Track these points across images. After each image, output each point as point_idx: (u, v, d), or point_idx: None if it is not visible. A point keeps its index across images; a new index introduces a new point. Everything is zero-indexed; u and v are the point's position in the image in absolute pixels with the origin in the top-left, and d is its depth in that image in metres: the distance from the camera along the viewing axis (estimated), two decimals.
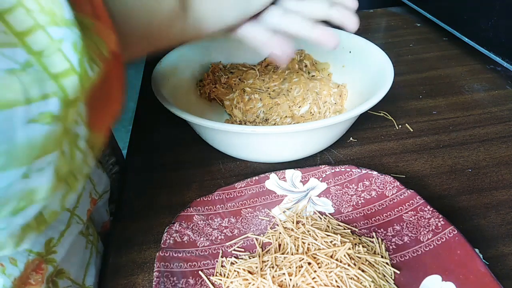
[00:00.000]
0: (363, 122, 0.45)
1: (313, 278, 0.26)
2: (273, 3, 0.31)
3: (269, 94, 0.47)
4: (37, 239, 0.24)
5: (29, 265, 0.23)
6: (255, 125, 0.44)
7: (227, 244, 0.32)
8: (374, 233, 0.31)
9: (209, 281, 0.29)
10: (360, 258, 0.28)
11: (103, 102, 0.19)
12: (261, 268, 0.28)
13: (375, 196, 0.33)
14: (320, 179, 0.35)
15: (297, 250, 0.29)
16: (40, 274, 0.24)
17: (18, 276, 0.22)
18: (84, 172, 0.19)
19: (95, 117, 0.18)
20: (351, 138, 0.43)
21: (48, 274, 0.25)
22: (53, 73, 0.15)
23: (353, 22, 0.29)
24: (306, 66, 0.49)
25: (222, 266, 0.30)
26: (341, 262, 0.28)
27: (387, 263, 0.29)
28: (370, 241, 0.31)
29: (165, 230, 0.30)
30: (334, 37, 0.30)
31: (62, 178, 0.16)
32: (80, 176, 0.18)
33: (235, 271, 0.29)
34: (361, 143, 0.43)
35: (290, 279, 0.27)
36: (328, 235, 0.30)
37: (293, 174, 0.35)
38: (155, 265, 0.28)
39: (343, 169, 0.34)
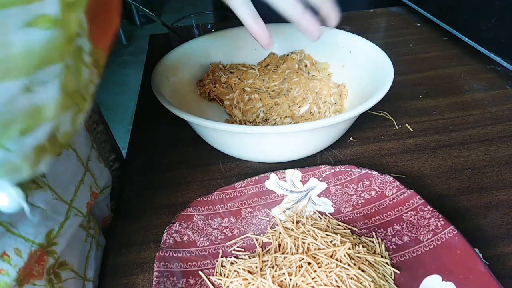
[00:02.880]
0: (363, 122, 0.45)
1: (313, 278, 0.26)
2: None
3: (269, 94, 0.47)
4: (38, 231, 0.24)
5: (32, 255, 0.23)
6: (255, 125, 0.44)
7: (227, 244, 0.32)
8: (374, 233, 0.31)
9: (209, 281, 0.29)
10: (360, 258, 0.28)
11: (102, 14, 0.18)
12: (261, 268, 0.28)
13: (375, 196, 0.33)
14: (320, 179, 0.35)
15: (297, 250, 0.29)
16: (42, 265, 0.24)
17: (22, 267, 0.23)
18: (91, 91, 0.18)
19: (96, 31, 0.17)
20: (351, 138, 0.43)
21: (49, 266, 0.25)
22: None
23: (334, 17, 0.31)
24: (306, 66, 0.49)
25: (222, 266, 0.30)
26: (341, 262, 0.28)
27: (387, 263, 0.29)
28: (370, 241, 0.31)
29: (165, 230, 0.30)
30: (319, 30, 0.30)
31: (69, 94, 0.16)
32: (87, 95, 0.18)
33: (235, 271, 0.29)
34: (361, 143, 0.43)
35: (290, 279, 0.27)
36: (328, 235, 0.30)
37: (293, 174, 0.35)
38: (155, 265, 0.28)
39: (343, 169, 0.34)
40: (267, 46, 0.33)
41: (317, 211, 0.34)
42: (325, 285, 0.26)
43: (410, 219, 0.31)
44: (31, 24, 0.13)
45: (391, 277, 0.28)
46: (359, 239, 0.31)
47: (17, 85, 0.13)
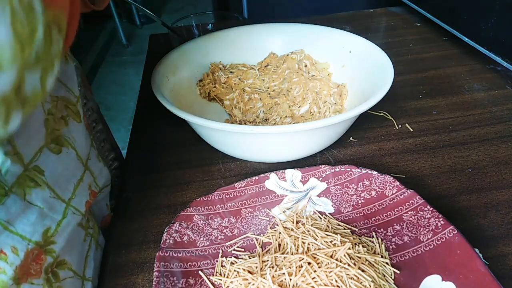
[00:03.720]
0: (363, 122, 0.45)
1: (313, 278, 0.26)
2: None
3: (269, 94, 0.47)
4: (35, 229, 0.24)
5: (29, 254, 0.23)
6: (255, 125, 0.44)
7: (227, 244, 0.32)
8: (374, 233, 0.31)
9: (209, 281, 0.29)
10: (360, 258, 0.28)
11: None
12: (261, 268, 0.28)
13: (375, 196, 0.33)
14: (320, 179, 0.35)
15: (297, 250, 0.29)
16: (39, 264, 0.24)
17: (19, 265, 0.23)
18: (56, 50, 0.18)
19: None
20: (351, 138, 0.43)
21: (47, 265, 0.25)
22: None
23: None
24: (306, 66, 0.49)
25: (222, 266, 0.30)
26: (341, 262, 0.28)
27: (387, 263, 0.29)
28: (370, 241, 0.31)
29: (165, 230, 0.30)
30: None
31: (21, 40, 0.15)
32: (51, 54, 0.17)
33: (235, 271, 0.29)
34: (361, 143, 0.43)
35: (290, 279, 0.27)
36: (328, 235, 0.30)
37: (293, 174, 0.35)
38: (155, 265, 0.28)
39: (343, 169, 0.34)
40: None
41: (317, 211, 0.34)
42: (325, 285, 0.26)
43: (410, 219, 0.31)
44: None
45: (391, 277, 0.28)
46: (359, 239, 0.31)
47: None
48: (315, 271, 0.27)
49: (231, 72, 0.49)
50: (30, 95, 0.17)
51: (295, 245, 0.30)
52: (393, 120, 0.46)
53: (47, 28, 0.17)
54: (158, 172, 0.41)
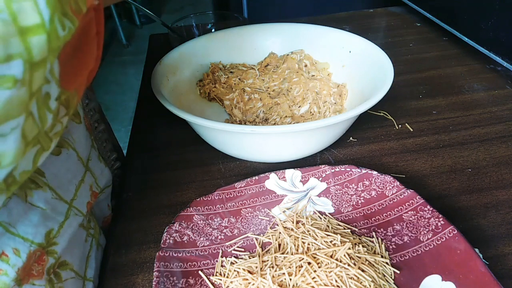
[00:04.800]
0: (363, 122, 0.45)
1: (313, 278, 0.26)
2: None
3: (269, 94, 0.47)
4: (37, 230, 0.24)
5: (31, 255, 0.23)
6: (255, 125, 0.44)
7: (227, 244, 0.32)
8: (374, 233, 0.31)
9: (209, 281, 0.29)
10: (360, 258, 0.28)
11: (78, 58, 0.18)
12: (261, 268, 0.28)
13: (375, 196, 0.33)
14: (320, 179, 0.35)
15: (297, 250, 0.29)
16: (41, 265, 0.24)
17: (21, 267, 0.23)
18: (57, 130, 0.18)
19: (69, 74, 0.17)
20: (351, 138, 0.43)
21: (49, 266, 0.25)
22: (22, 27, 0.13)
23: None
24: (306, 65, 0.49)
25: (222, 266, 0.30)
26: (341, 262, 0.28)
27: (387, 263, 0.29)
28: (370, 241, 0.31)
29: (165, 230, 0.30)
30: None
31: (31, 141, 0.16)
32: (53, 135, 0.18)
33: (235, 271, 0.29)
34: (361, 143, 0.43)
35: (290, 279, 0.27)
36: (328, 235, 0.30)
37: (293, 174, 0.35)
38: (155, 264, 0.28)
39: (343, 169, 0.34)
40: None
41: (317, 211, 0.34)
42: (325, 285, 0.26)
43: (410, 219, 0.31)
44: None
45: (391, 277, 0.28)
46: (359, 239, 0.31)
47: None
48: (315, 271, 0.27)
49: (231, 72, 0.49)
50: (18, 178, 0.17)
51: (295, 245, 0.30)
52: (393, 120, 0.46)
53: (55, 111, 0.17)
54: (158, 172, 0.41)
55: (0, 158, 0.14)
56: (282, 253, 0.29)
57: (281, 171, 0.35)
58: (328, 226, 0.32)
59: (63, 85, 0.17)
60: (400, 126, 0.45)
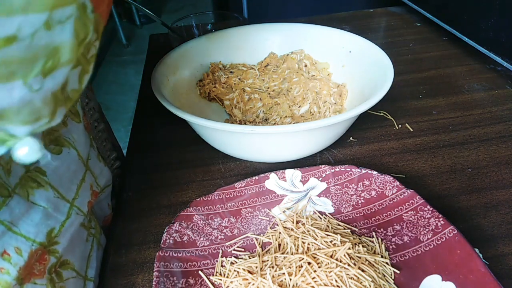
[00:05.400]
0: (363, 122, 0.45)
1: (313, 278, 0.26)
2: None
3: (269, 93, 0.47)
4: (39, 229, 0.24)
5: (33, 254, 0.23)
6: (255, 125, 0.44)
7: (227, 244, 0.32)
8: (374, 233, 0.31)
9: (209, 281, 0.29)
10: (360, 258, 0.28)
11: None
12: (261, 268, 0.28)
13: (375, 196, 0.33)
14: (320, 179, 0.35)
15: (297, 250, 0.29)
16: (43, 264, 0.24)
17: (23, 266, 0.23)
18: (92, 53, 0.19)
19: None
20: (351, 138, 0.43)
21: (50, 265, 0.25)
22: None
23: None
24: (306, 65, 0.49)
25: (222, 266, 0.30)
26: (341, 262, 0.28)
27: (387, 263, 0.29)
28: (370, 241, 0.31)
29: (165, 230, 0.30)
30: None
31: (80, 43, 0.17)
32: (90, 56, 0.19)
33: (235, 271, 0.29)
34: (361, 143, 0.43)
35: (290, 279, 0.27)
36: (328, 235, 0.30)
37: (293, 174, 0.35)
38: (155, 265, 0.28)
39: (343, 169, 0.34)
40: None
41: (317, 211, 0.34)
42: (325, 285, 0.26)
43: (410, 219, 0.31)
44: None
45: (391, 277, 0.28)
46: (359, 239, 0.31)
47: (39, 19, 0.14)
48: (315, 271, 0.27)
49: (231, 72, 0.49)
50: (70, 93, 0.18)
51: (295, 245, 0.30)
52: (393, 120, 0.46)
53: (93, 24, 0.18)
54: (158, 172, 0.41)
55: (59, 51, 0.15)
56: (282, 253, 0.29)
57: (281, 171, 0.35)
58: (328, 226, 0.32)
59: (92, 2, 0.17)
60: (400, 126, 0.45)
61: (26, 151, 0.17)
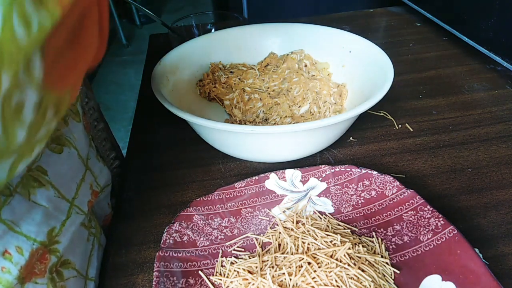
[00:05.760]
0: (363, 122, 0.45)
1: (313, 278, 0.26)
2: None
3: (269, 93, 0.47)
4: (40, 229, 0.24)
5: (34, 254, 0.23)
6: (255, 125, 0.44)
7: (227, 244, 0.32)
8: (374, 233, 0.31)
9: (209, 281, 0.29)
10: (360, 257, 0.28)
11: (74, 50, 0.14)
12: (261, 268, 0.28)
13: (375, 196, 0.33)
14: (320, 178, 0.35)
15: (297, 250, 0.29)
16: (44, 264, 0.24)
17: (24, 265, 0.23)
18: (42, 135, 0.15)
19: (60, 71, 0.14)
20: (351, 138, 0.43)
21: (51, 264, 0.25)
22: None
23: None
24: (306, 65, 0.49)
25: (222, 266, 0.30)
26: (341, 262, 0.28)
27: (387, 263, 0.29)
28: (370, 240, 0.31)
29: (165, 230, 0.30)
30: None
31: (6, 148, 0.13)
32: (36, 141, 0.15)
33: (235, 271, 0.29)
34: (361, 143, 0.43)
35: (290, 279, 0.27)
36: (328, 235, 0.30)
37: (293, 174, 0.35)
38: (155, 264, 0.28)
39: (343, 169, 0.34)
40: None
41: (317, 211, 0.34)
42: (325, 285, 0.26)
43: (410, 219, 0.31)
44: None
45: (391, 277, 0.28)
46: (359, 239, 0.31)
47: None
48: (315, 271, 0.27)
49: (231, 72, 0.49)
50: None
51: (295, 245, 0.30)
52: (393, 120, 0.46)
53: (43, 111, 0.14)
54: (158, 172, 0.41)
55: None
56: (282, 253, 0.29)
57: (281, 171, 0.35)
58: (328, 226, 0.32)
59: (50, 86, 0.14)
60: (400, 126, 0.45)
61: None
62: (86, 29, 0.15)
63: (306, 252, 0.29)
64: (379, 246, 0.30)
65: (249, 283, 0.27)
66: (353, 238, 0.30)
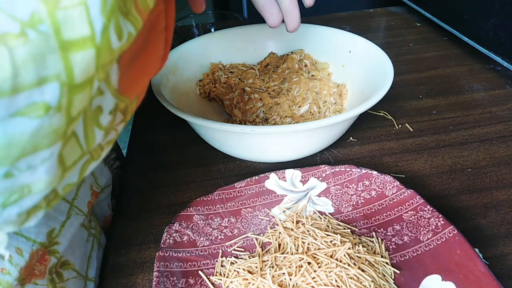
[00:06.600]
0: (363, 121, 0.45)
1: (313, 278, 0.26)
2: None
3: (269, 93, 0.47)
4: (40, 230, 0.24)
5: (34, 255, 0.23)
6: (255, 125, 0.44)
7: (227, 244, 0.32)
8: (374, 233, 0.31)
9: (209, 281, 0.29)
10: (360, 257, 0.28)
11: (142, 59, 0.15)
12: (261, 268, 0.28)
13: (375, 196, 0.33)
14: (320, 178, 0.35)
15: (297, 250, 0.29)
16: (44, 265, 0.24)
17: (24, 266, 0.23)
18: (110, 139, 0.16)
19: (131, 79, 0.15)
20: (351, 138, 0.43)
21: (51, 265, 0.25)
22: (66, 41, 0.11)
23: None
24: (306, 65, 0.49)
25: (222, 266, 0.30)
26: (341, 261, 0.28)
27: (387, 263, 0.29)
28: (370, 240, 0.31)
29: (165, 230, 0.30)
30: (296, 22, 0.34)
31: (71, 165, 0.14)
32: (105, 143, 0.16)
33: (235, 270, 0.29)
34: (361, 142, 0.43)
35: (290, 279, 0.27)
36: (328, 235, 0.30)
37: (293, 174, 0.35)
38: (154, 264, 0.28)
39: (343, 169, 0.34)
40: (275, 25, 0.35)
41: (317, 211, 0.34)
42: (325, 285, 0.26)
43: (410, 219, 0.31)
44: (17, 115, 0.10)
45: (391, 277, 0.28)
46: (359, 239, 0.31)
47: None
48: (315, 271, 0.27)
49: (231, 72, 0.49)
50: (61, 192, 0.15)
51: (295, 245, 0.30)
52: (393, 120, 0.46)
53: (108, 125, 0.15)
54: (158, 172, 0.41)
55: (29, 187, 0.13)
56: (282, 253, 0.29)
57: (281, 171, 0.35)
58: (328, 226, 0.32)
59: (122, 92, 0.14)
60: (400, 126, 0.45)
61: None
62: (155, 37, 0.15)
63: (306, 252, 0.29)
64: (379, 246, 0.30)
65: (249, 283, 0.27)
66: (353, 238, 0.30)
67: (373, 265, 0.28)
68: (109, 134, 0.15)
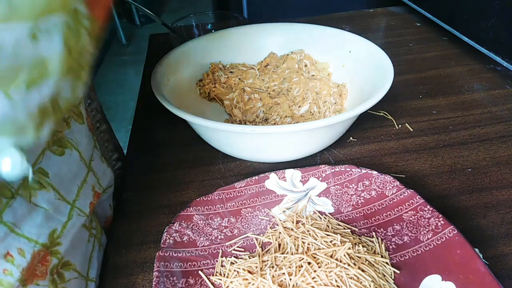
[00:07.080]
0: (363, 121, 0.45)
1: (313, 278, 0.26)
2: None
3: (269, 93, 0.47)
4: (41, 231, 0.24)
5: (35, 256, 0.23)
6: (255, 124, 0.44)
7: (227, 244, 0.32)
8: (374, 233, 0.31)
9: (209, 281, 0.29)
10: (360, 257, 0.28)
11: None
12: (261, 268, 0.28)
13: (375, 196, 0.33)
14: (320, 178, 0.35)
15: (297, 250, 0.29)
16: (45, 265, 0.24)
17: (26, 267, 0.23)
18: (87, 59, 0.18)
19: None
20: (351, 138, 0.43)
21: (52, 266, 0.25)
22: None
23: None
24: (306, 65, 0.49)
25: (222, 265, 0.30)
26: (341, 261, 0.28)
27: (387, 263, 0.29)
28: (370, 240, 0.31)
29: (165, 230, 0.30)
30: None
31: (70, 53, 0.16)
32: (84, 63, 0.18)
33: (235, 270, 0.29)
34: (361, 142, 0.43)
35: (290, 279, 0.27)
36: (328, 235, 0.30)
37: (293, 174, 0.35)
38: (155, 264, 0.28)
39: (343, 169, 0.34)
40: None
41: (317, 211, 0.34)
42: (325, 285, 0.26)
43: (410, 219, 0.31)
44: None
45: (391, 277, 0.28)
46: (359, 239, 0.31)
47: (23, 29, 0.13)
48: (315, 271, 0.27)
49: (231, 72, 0.49)
50: (62, 104, 0.17)
51: (295, 245, 0.30)
52: (393, 120, 0.46)
53: (88, 36, 0.17)
54: (158, 172, 0.41)
55: (46, 62, 0.14)
56: (282, 253, 0.29)
57: (281, 171, 0.35)
58: (328, 226, 0.32)
59: (88, 7, 0.16)
60: (400, 126, 0.45)
61: (8, 167, 0.16)
62: None
63: (306, 252, 0.29)
64: (379, 246, 0.30)
65: (249, 283, 0.27)
66: (353, 238, 0.30)
67: (373, 265, 0.28)
68: (85, 55, 0.17)
